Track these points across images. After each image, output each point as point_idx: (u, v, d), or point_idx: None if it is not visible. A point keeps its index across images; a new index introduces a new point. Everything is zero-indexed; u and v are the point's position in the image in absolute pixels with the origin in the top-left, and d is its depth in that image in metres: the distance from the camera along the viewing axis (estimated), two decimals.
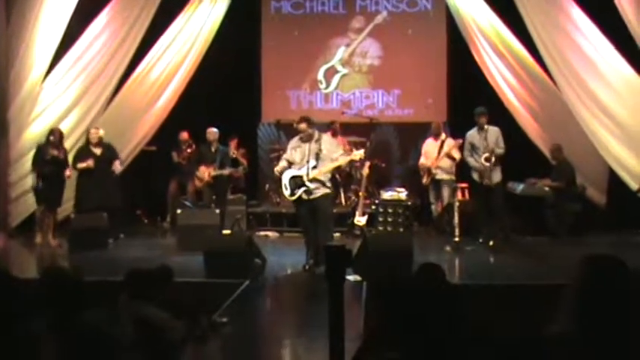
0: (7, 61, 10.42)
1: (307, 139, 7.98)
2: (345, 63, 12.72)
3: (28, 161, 10.05)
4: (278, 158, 11.70)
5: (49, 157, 9.66)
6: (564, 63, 10.13)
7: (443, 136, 10.36)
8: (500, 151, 9.36)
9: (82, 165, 9.86)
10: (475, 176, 9.52)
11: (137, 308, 4.18)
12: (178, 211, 9.96)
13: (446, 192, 10.12)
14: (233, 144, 11.57)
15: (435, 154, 10.24)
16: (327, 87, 12.77)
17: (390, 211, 10.20)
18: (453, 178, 10.17)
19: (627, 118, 9.86)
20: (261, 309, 7.01)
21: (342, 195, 11.37)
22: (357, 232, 9.91)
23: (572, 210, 10.03)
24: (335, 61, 12.72)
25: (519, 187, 9.83)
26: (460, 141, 9.92)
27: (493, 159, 9.22)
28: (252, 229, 10.56)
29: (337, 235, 9.63)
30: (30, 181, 9.99)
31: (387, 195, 10.42)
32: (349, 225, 10.27)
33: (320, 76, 12.75)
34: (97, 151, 10.00)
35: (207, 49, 11.49)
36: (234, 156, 11.35)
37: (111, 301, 4.26)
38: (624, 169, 10.01)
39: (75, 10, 10.39)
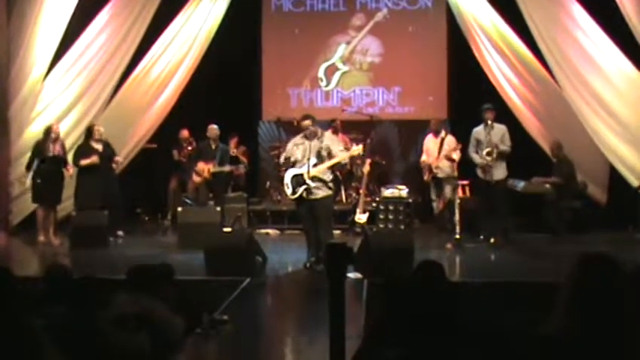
0: (7, 60, 10.42)
1: (311, 136, 7.97)
2: (345, 60, 12.72)
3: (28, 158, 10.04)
4: (278, 156, 11.75)
5: (48, 154, 9.66)
6: (565, 60, 10.12)
7: (443, 133, 10.35)
8: (504, 148, 9.35)
9: (86, 161, 9.82)
10: (479, 173, 9.52)
11: (139, 303, 4.19)
12: (179, 208, 9.97)
13: (447, 189, 10.11)
14: (233, 142, 11.58)
15: (436, 151, 10.22)
16: (327, 85, 12.77)
17: (390, 208, 10.20)
18: (455, 175, 10.16)
19: (628, 115, 9.86)
20: (261, 307, 7.01)
21: (343, 192, 11.37)
22: (358, 230, 9.91)
23: (572, 207, 10.03)
24: (335, 59, 12.72)
25: (520, 185, 9.83)
26: (460, 145, 9.89)
27: (494, 154, 9.23)
28: (253, 227, 10.56)
29: (338, 232, 9.64)
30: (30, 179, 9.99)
31: (387, 192, 10.41)
32: (350, 222, 10.27)
33: (320, 73, 12.75)
34: (99, 147, 10.00)
35: (207, 47, 11.48)
36: (234, 154, 11.35)
37: (112, 299, 4.28)
38: (625, 166, 10.01)
39: (75, 9, 10.39)
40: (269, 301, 7.40)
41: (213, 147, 10.66)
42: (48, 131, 9.77)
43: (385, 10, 12.57)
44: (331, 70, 12.75)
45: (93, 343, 3.54)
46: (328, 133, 8.38)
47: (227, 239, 8.12)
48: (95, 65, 10.84)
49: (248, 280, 7.18)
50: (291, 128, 11.90)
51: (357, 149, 8.29)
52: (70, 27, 10.50)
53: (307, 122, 8.01)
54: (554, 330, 2.50)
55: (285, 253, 8.90)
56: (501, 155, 9.35)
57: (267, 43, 12.78)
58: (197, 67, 11.49)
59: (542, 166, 10.36)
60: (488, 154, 9.24)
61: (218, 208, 9.80)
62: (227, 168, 10.62)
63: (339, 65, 12.73)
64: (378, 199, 10.51)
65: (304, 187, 7.84)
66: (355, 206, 10.30)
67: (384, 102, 12.69)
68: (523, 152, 9.74)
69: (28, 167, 9.77)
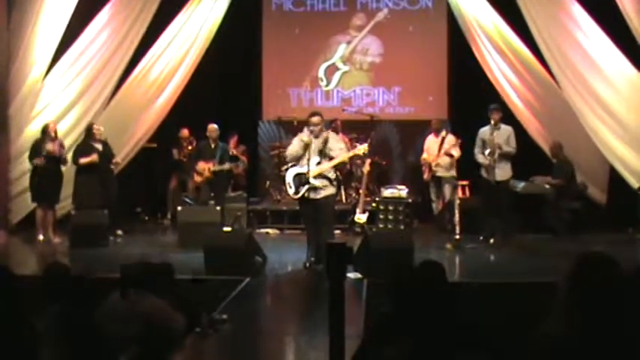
0: (8, 59, 10.42)
1: (317, 134, 7.93)
2: (345, 60, 12.73)
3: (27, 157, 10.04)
4: (278, 156, 11.77)
5: (45, 152, 9.66)
6: (565, 60, 10.12)
7: (444, 132, 10.35)
8: (508, 149, 9.35)
9: (85, 160, 9.82)
10: (484, 173, 9.52)
11: (141, 300, 4.19)
12: (179, 208, 9.98)
13: (447, 189, 10.12)
14: (232, 141, 11.58)
15: (436, 150, 10.23)
16: (327, 84, 12.77)
17: (390, 208, 10.21)
18: (454, 175, 10.17)
19: (628, 116, 9.86)
20: (261, 306, 7.00)
21: (343, 192, 11.37)
22: (358, 230, 9.92)
23: (572, 208, 10.03)
24: (336, 59, 12.72)
25: (520, 185, 9.83)
26: (460, 140, 9.91)
27: (496, 154, 9.23)
28: (253, 227, 10.56)
29: (338, 232, 9.63)
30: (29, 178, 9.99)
31: (387, 192, 10.42)
32: (350, 222, 10.28)
33: (321, 73, 12.75)
34: (99, 146, 10.00)
35: (208, 47, 11.48)
36: (233, 153, 11.35)
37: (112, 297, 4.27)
38: (625, 166, 10.01)
39: (76, 8, 10.39)
40: (268, 300, 7.40)
41: (213, 146, 10.65)
42: (45, 130, 9.78)
43: (386, 10, 12.58)
44: (331, 70, 12.75)
45: (92, 341, 3.54)
46: (332, 133, 8.32)
47: (227, 239, 8.11)
48: (95, 64, 10.84)
49: (247, 279, 7.19)
50: (291, 128, 11.92)
51: (363, 148, 8.23)
52: (70, 26, 10.50)
53: (316, 119, 7.95)
54: (554, 330, 2.49)
55: (285, 253, 8.90)
56: (504, 156, 9.34)
57: (267, 43, 12.78)
58: (197, 66, 11.48)
59: (542, 166, 10.36)
60: (490, 154, 9.25)
61: (218, 208, 9.80)
62: (227, 166, 10.61)
63: (340, 65, 12.73)
64: (377, 199, 10.51)
65: (307, 186, 7.81)
66: (355, 206, 10.31)
67: (384, 102, 12.70)
68: (523, 153, 9.73)
69: (31, 161, 9.77)
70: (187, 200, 10.98)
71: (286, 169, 8.25)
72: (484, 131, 9.50)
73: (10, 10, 10.42)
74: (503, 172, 9.40)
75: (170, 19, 11.22)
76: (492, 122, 9.37)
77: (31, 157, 9.75)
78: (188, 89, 11.50)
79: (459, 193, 10.10)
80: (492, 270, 8.33)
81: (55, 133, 9.85)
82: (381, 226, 10.09)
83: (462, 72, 11.66)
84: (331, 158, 7.86)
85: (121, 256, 8.67)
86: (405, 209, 10.20)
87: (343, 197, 11.35)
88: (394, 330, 3.16)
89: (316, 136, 7.91)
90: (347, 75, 12.75)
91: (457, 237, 9.19)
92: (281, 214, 11.13)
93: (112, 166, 10.13)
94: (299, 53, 12.74)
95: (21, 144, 10.46)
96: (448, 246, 9.18)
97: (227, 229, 9.13)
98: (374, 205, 10.43)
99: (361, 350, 3.28)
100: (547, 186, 10.01)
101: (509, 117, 10.35)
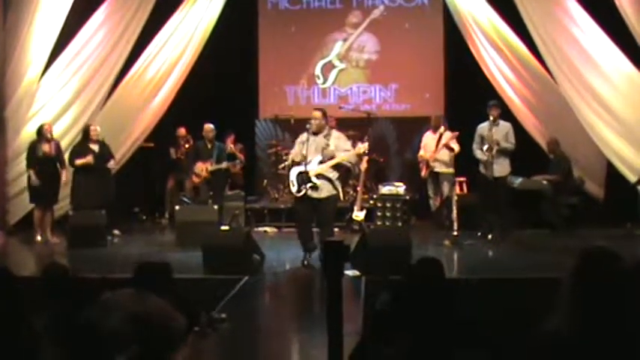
0: (3, 59, 10.41)
1: (317, 131, 7.89)
2: (342, 58, 12.72)
3: (25, 159, 10.02)
4: (276, 154, 11.77)
5: (41, 153, 9.65)
6: (561, 56, 10.13)
7: (442, 129, 10.35)
8: (507, 145, 9.37)
9: (81, 161, 9.82)
10: (482, 169, 9.54)
11: (141, 301, 4.19)
12: (176, 207, 9.98)
13: (445, 186, 10.11)
14: (230, 139, 11.57)
15: (434, 147, 10.23)
16: (324, 82, 12.76)
17: (388, 205, 10.22)
18: (452, 171, 10.16)
19: (625, 111, 9.86)
20: (259, 305, 7.01)
21: (341, 190, 11.34)
22: (356, 227, 9.91)
23: (570, 203, 10.04)
24: (332, 56, 12.71)
25: (517, 181, 9.84)
26: (457, 133, 9.92)
27: (495, 150, 9.24)
28: (251, 225, 10.57)
29: (336, 230, 9.62)
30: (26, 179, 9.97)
31: (385, 189, 10.43)
32: (347, 220, 10.27)
33: (317, 71, 12.74)
34: (95, 147, 9.99)
35: (204, 46, 11.46)
36: (231, 151, 11.34)
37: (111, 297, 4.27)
38: (622, 161, 10.01)
39: (71, 8, 10.37)
40: (267, 299, 7.41)
41: (210, 146, 10.64)
42: (41, 131, 9.77)
43: (381, 7, 12.56)
44: (328, 68, 12.73)
45: (91, 341, 3.54)
46: (335, 131, 8.28)
47: (224, 237, 8.11)
48: (91, 64, 10.82)
49: (246, 278, 7.19)
50: (288, 126, 11.91)
51: (363, 147, 8.17)
52: (66, 26, 10.48)
53: (314, 113, 7.94)
54: (557, 325, 2.49)
55: (283, 251, 8.89)
56: (502, 152, 9.36)
57: (263, 41, 12.76)
58: (193, 65, 11.46)
59: (540, 162, 10.37)
60: (488, 150, 9.26)
61: (215, 207, 9.79)
62: (224, 165, 10.60)
63: (336, 62, 12.72)
64: (375, 196, 10.52)
65: (310, 184, 7.79)
66: (353, 203, 10.30)
67: (380, 99, 12.69)
68: (520, 149, 9.75)
69: (29, 165, 9.76)
70: (185, 199, 10.98)
71: (283, 168, 8.24)
72: (483, 127, 9.52)
73: (5, 10, 10.40)
74: (501, 168, 9.42)
75: (166, 19, 11.20)
76: (492, 118, 9.39)
77: (28, 160, 9.74)
78: (184, 88, 11.49)
79: (457, 190, 10.11)
80: (490, 266, 8.35)
81: (51, 134, 9.84)
82: (378, 223, 10.10)
83: (459, 68, 11.66)
84: (335, 157, 7.83)
85: (119, 256, 8.69)
86: (403, 206, 10.21)
87: (341, 195, 11.33)
88: (393, 327, 3.16)
89: (315, 133, 7.89)
90: (343, 72, 12.74)
91: (455, 233, 9.20)
92: (279, 213, 11.13)
93: (108, 166, 10.08)
94: (295, 51, 12.73)
95: (18, 145, 10.44)
96: (446, 242, 9.20)
97: (225, 227, 9.12)
98: (372, 202, 10.43)
99: (360, 347, 3.29)
100: (544, 182, 10.02)
101: (505, 113, 10.36)
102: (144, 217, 11.81)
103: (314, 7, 12.76)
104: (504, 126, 9.47)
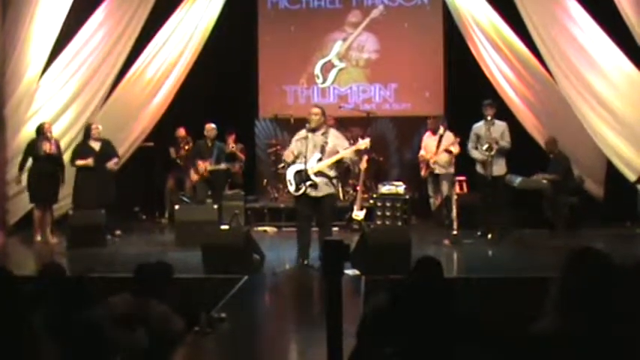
0: (3, 59, 10.39)
1: (315, 128, 7.85)
2: (342, 57, 12.72)
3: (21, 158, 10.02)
4: (275, 153, 11.77)
5: (42, 152, 9.64)
6: (561, 55, 10.12)
7: (441, 130, 10.33)
8: (504, 144, 9.39)
9: (81, 162, 9.82)
10: (479, 168, 9.54)
11: (141, 302, 4.19)
12: (176, 207, 9.98)
13: (444, 185, 10.10)
14: (231, 139, 11.57)
15: (434, 148, 10.22)
16: (324, 81, 12.76)
17: (388, 204, 10.21)
18: (452, 171, 10.16)
19: (624, 110, 9.86)
20: (259, 304, 7.00)
21: (340, 189, 11.35)
22: (356, 227, 9.92)
23: (570, 203, 10.04)
24: (332, 56, 12.71)
25: (517, 180, 9.84)
26: (459, 139, 9.90)
27: (494, 149, 9.25)
28: (250, 225, 10.56)
29: (335, 229, 9.62)
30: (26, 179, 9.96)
31: (385, 189, 10.42)
32: (347, 219, 10.28)
33: (317, 70, 12.74)
34: (96, 146, 9.98)
35: (203, 45, 11.46)
36: (232, 150, 11.34)
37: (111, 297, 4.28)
38: (622, 160, 10.01)
39: (71, 8, 10.36)
40: (266, 298, 7.40)
41: (210, 145, 10.64)
42: (40, 130, 9.76)
43: (381, 7, 12.56)
44: (328, 67, 12.73)
45: (90, 341, 3.54)
46: (333, 130, 8.24)
47: (224, 237, 8.09)
48: (91, 64, 10.82)
49: (245, 277, 7.19)
50: (287, 125, 11.91)
51: (365, 143, 8.07)
52: (66, 26, 10.47)
53: (313, 110, 7.91)
54: (547, 326, 2.49)
55: (283, 251, 8.89)
56: (500, 151, 9.36)
57: (263, 41, 12.76)
58: (193, 65, 11.46)
59: (539, 161, 10.36)
60: (488, 149, 9.26)
61: (215, 206, 9.79)
62: (223, 166, 10.60)
63: (336, 62, 12.72)
64: (375, 195, 10.51)
65: (309, 182, 7.73)
66: (352, 203, 10.31)
67: (380, 98, 12.69)
68: (520, 148, 9.76)
69: (21, 168, 9.75)
70: (185, 199, 10.98)
71: (283, 167, 8.21)
72: (478, 126, 9.52)
73: (5, 10, 10.39)
74: (499, 167, 9.44)
75: (166, 18, 11.19)
76: (488, 118, 9.39)
77: (25, 158, 9.72)
78: (184, 88, 11.49)
79: (457, 189, 10.11)
80: (490, 265, 8.34)
81: (51, 132, 9.83)
82: (378, 222, 10.09)
83: (458, 68, 11.66)
84: (333, 155, 7.79)
85: (119, 256, 8.69)
86: (403, 205, 10.19)
87: (341, 194, 11.34)
88: (392, 326, 3.16)
89: (314, 130, 7.86)
90: (343, 72, 12.74)
91: (455, 233, 9.20)
92: (278, 212, 11.14)
93: (108, 166, 10.06)
94: (295, 51, 12.73)
95: (17, 145, 10.42)
96: (446, 242, 9.20)
97: (225, 227, 9.12)
98: (371, 201, 10.43)
99: (359, 348, 3.29)
100: (544, 181, 10.01)
101: (505, 112, 10.36)
102: (144, 217, 11.82)
103: (313, 6, 12.76)
104: (500, 125, 9.48)
